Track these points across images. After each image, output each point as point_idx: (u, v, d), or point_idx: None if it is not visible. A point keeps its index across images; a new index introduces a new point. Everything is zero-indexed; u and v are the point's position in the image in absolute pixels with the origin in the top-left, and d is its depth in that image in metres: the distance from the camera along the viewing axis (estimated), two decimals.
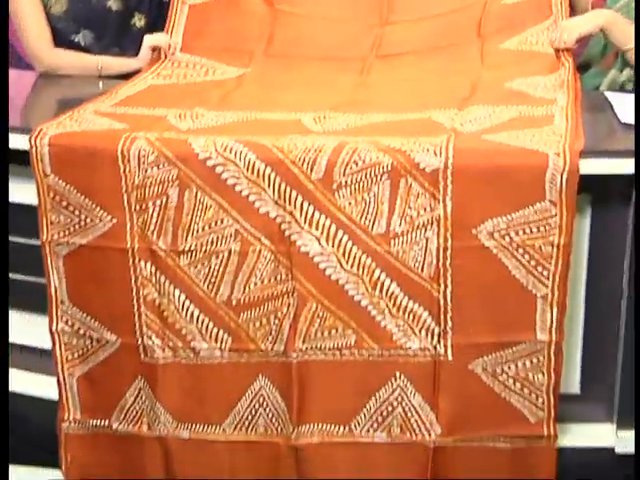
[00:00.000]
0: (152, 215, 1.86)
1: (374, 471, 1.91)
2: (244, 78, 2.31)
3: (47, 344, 1.99)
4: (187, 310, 1.89)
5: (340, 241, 1.81)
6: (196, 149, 1.82)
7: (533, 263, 1.77)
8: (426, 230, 1.79)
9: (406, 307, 1.82)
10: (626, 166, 1.79)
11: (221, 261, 1.86)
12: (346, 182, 1.79)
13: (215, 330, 1.89)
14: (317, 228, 1.81)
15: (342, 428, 1.90)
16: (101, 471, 2.03)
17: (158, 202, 1.85)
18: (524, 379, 1.83)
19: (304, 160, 1.79)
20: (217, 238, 1.85)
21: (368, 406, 1.88)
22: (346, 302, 1.83)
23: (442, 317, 1.81)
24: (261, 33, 2.46)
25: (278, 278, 1.85)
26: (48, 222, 1.91)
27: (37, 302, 1.99)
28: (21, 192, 1.99)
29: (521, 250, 1.76)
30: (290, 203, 1.81)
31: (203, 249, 1.86)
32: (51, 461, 2.04)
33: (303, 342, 1.86)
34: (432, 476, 1.87)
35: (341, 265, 1.82)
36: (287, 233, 1.82)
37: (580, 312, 1.92)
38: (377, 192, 1.79)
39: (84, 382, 1.99)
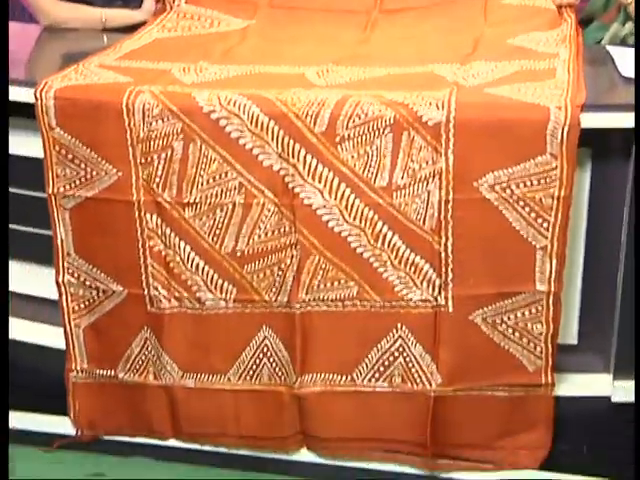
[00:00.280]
0: (157, 168, 1.88)
1: (375, 419, 1.95)
2: (248, 31, 2.31)
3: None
4: (192, 262, 1.92)
5: (343, 194, 1.83)
6: (200, 102, 1.83)
7: (533, 215, 1.79)
8: (428, 183, 1.81)
9: (408, 259, 1.85)
10: (627, 120, 1.80)
11: (225, 213, 1.88)
12: (349, 135, 1.81)
13: (220, 281, 1.92)
14: (320, 181, 1.83)
15: (344, 378, 1.93)
16: (108, 419, 2.08)
17: (163, 155, 1.87)
18: (523, 329, 1.86)
19: (307, 113, 1.80)
20: (221, 191, 1.87)
21: (370, 356, 1.91)
22: (348, 254, 1.86)
23: (443, 269, 1.84)
24: None
25: (281, 230, 1.87)
26: (54, 175, 1.93)
27: (45, 254, 2.02)
28: (27, 145, 2.01)
29: (522, 202, 1.78)
30: (293, 156, 1.82)
31: (208, 202, 1.88)
32: (62, 409, 2.09)
33: (306, 293, 1.89)
34: (432, 424, 1.91)
35: (344, 218, 1.84)
36: (290, 186, 1.84)
37: (579, 264, 1.95)
38: (380, 145, 1.81)
39: (90, 333, 2.03)
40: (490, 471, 1.95)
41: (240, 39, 2.26)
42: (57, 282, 1.99)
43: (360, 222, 1.84)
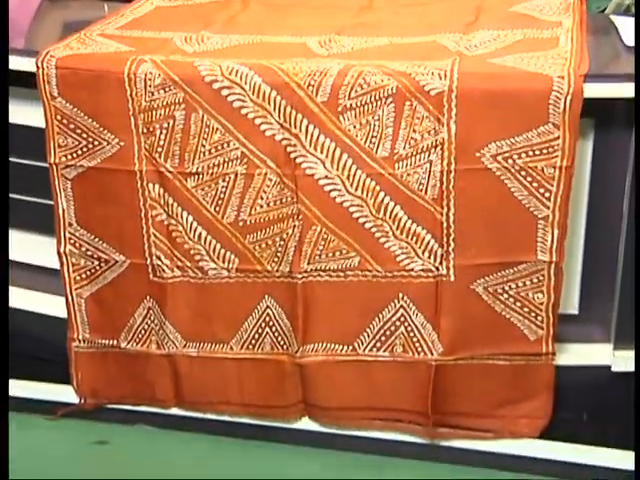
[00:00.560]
0: (159, 138, 1.88)
1: (376, 388, 1.97)
2: (250, 0, 2.30)
3: None
4: (195, 231, 1.92)
5: (345, 164, 1.83)
6: (202, 72, 1.83)
7: (535, 185, 1.79)
8: (430, 153, 1.81)
9: (409, 229, 1.86)
10: (629, 90, 1.79)
11: (228, 183, 1.89)
12: (351, 105, 1.80)
13: (222, 251, 1.93)
14: (322, 151, 1.83)
15: (346, 347, 1.95)
16: (111, 388, 2.10)
17: (165, 125, 1.87)
18: (524, 298, 1.87)
19: (309, 83, 1.80)
20: (223, 161, 1.87)
21: (371, 326, 1.93)
22: (350, 224, 1.86)
23: (445, 239, 1.84)
24: None
25: (283, 201, 1.88)
26: (56, 145, 1.93)
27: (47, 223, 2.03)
28: (29, 115, 2.01)
29: (524, 172, 1.79)
30: (295, 126, 1.82)
31: (210, 171, 1.88)
32: (65, 378, 2.10)
33: (308, 263, 1.90)
34: (433, 393, 1.92)
35: (345, 188, 1.84)
36: (292, 156, 1.84)
37: (580, 234, 1.95)
38: (382, 115, 1.81)
39: (92, 302, 2.04)
40: (490, 440, 1.97)
41: (242, 8, 2.25)
42: (59, 252, 2.00)
43: (362, 192, 1.84)
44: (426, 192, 1.83)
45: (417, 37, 2.00)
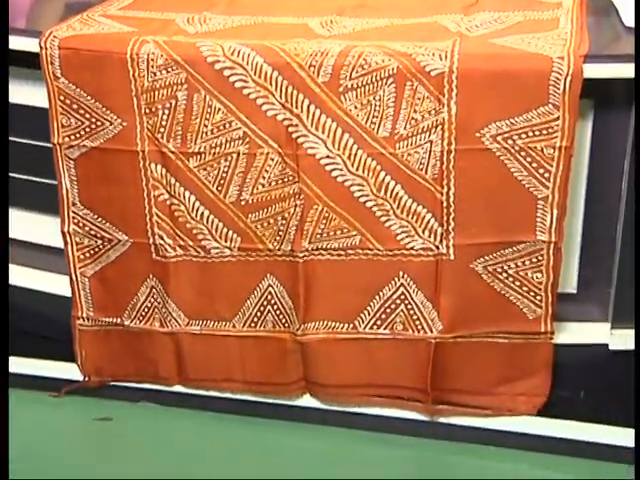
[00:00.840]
0: (161, 118, 1.89)
1: (376, 365, 1.99)
2: None
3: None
4: (197, 211, 1.94)
5: (346, 144, 1.84)
6: (204, 52, 1.84)
7: (535, 165, 1.80)
8: (430, 133, 1.82)
9: (410, 208, 1.87)
10: (629, 70, 1.79)
11: (230, 163, 1.90)
12: (352, 85, 1.81)
13: (225, 230, 1.94)
14: (323, 131, 1.84)
15: (346, 325, 1.96)
16: (115, 366, 2.12)
17: (167, 105, 1.88)
18: (523, 277, 1.88)
19: (310, 64, 1.81)
20: (225, 140, 1.88)
21: (372, 304, 1.94)
22: (351, 204, 1.87)
23: (445, 218, 1.86)
24: None
25: (285, 180, 1.89)
26: (59, 125, 1.94)
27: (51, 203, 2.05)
28: (32, 95, 2.02)
29: (523, 153, 1.80)
30: (297, 106, 1.83)
31: (212, 151, 1.89)
32: (69, 356, 2.13)
33: (309, 242, 1.91)
34: (432, 370, 1.94)
35: (347, 167, 1.86)
36: (294, 136, 1.85)
37: (580, 214, 1.97)
38: (382, 95, 1.81)
39: (96, 281, 2.06)
40: (489, 417, 1.99)
41: None
42: (62, 231, 2.02)
43: (363, 172, 1.86)
44: (426, 172, 1.85)
45: (418, 18, 2.00)
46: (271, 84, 1.83)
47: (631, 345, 1.94)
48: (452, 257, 1.88)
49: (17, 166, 2.10)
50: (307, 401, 2.06)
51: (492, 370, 1.97)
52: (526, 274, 1.88)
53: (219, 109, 1.87)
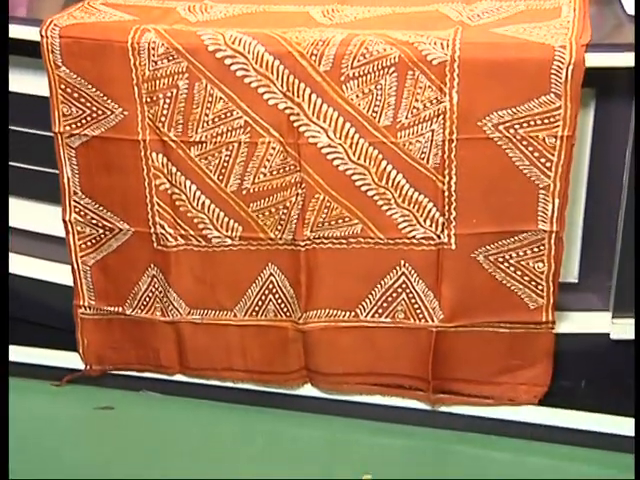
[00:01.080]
0: (163, 107, 1.89)
1: (378, 354, 1.99)
2: None
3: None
4: (198, 200, 1.94)
5: (347, 133, 1.84)
6: (205, 41, 1.84)
7: (537, 155, 1.80)
8: (432, 122, 1.82)
9: (411, 197, 1.87)
10: (631, 59, 1.79)
11: (231, 152, 1.90)
12: (354, 74, 1.81)
13: (226, 219, 1.94)
14: (325, 120, 1.84)
15: (348, 313, 1.97)
16: (116, 354, 2.12)
17: (168, 94, 1.88)
18: (525, 267, 1.88)
19: (312, 52, 1.81)
20: (227, 130, 1.88)
21: (373, 292, 1.95)
22: (353, 192, 1.87)
23: (446, 207, 1.86)
24: None
25: (287, 169, 1.89)
26: (60, 114, 1.94)
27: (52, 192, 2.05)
28: (32, 83, 2.02)
29: (525, 142, 1.79)
30: (298, 95, 1.83)
31: (213, 140, 1.89)
32: (71, 344, 2.13)
33: (311, 231, 1.91)
34: (434, 359, 1.95)
35: (348, 156, 1.86)
36: (296, 125, 1.85)
37: (581, 203, 1.97)
38: (384, 84, 1.81)
39: (97, 270, 2.06)
40: (490, 406, 2.00)
41: None
42: (64, 220, 2.02)
43: (364, 161, 1.86)
44: (428, 161, 1.84)
45: (420, 7, 2.00)
46: (272, 73, 1.83)
47: (632, 334, 1.94)
48: (453, 246, 1.88)
49: (18, 155, 2.10)
50: (308, 390, 2.06)
51: (493, 359, 1.97)
52: (527, 264, 1.88)
53: (220, 98, 1.86)
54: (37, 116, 2.02)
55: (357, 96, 1.83)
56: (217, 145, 1.90)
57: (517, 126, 1.79)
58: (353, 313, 1.97)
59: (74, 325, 2.10)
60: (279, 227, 1.93)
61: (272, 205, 1.92)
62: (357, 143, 1.84)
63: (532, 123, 1.78)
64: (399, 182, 1.86)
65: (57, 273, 2.16)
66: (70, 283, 2.08)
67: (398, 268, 1.92)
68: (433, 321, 1.93)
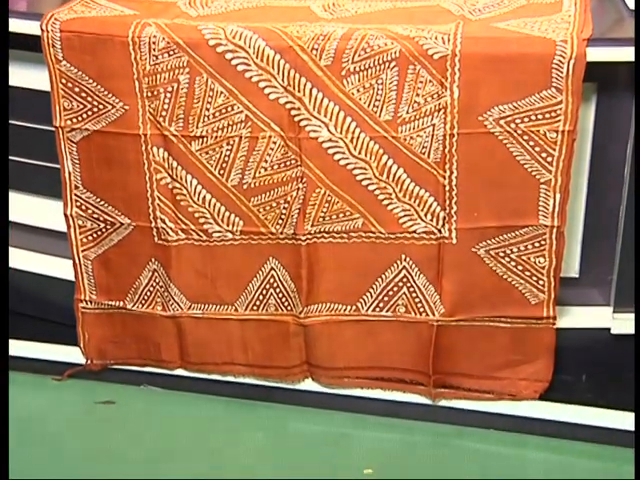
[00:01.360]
0: (163, 101, 1.89)
1: (378, 348, 1.99)
2: None
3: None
4: (199, 194, 1.94)
5: (348, 127, 1.84)
6: (206, 35, 1.83)
7: (538, 149, 1.80)
8: (433, 117, 1.82)
9: (412, 192, 1.87)
10: (632, 54, 1.79)
11: (232, 147, 1.90)
12: (355, 69, 1.81)
13: (227, 214, 1.94)
14: (326, 114, 1.84)
15: (349, 307, 1.97)
16: (117, 349, 2.13)
17: (169, 88, 1.88)
18: (526, 262, 1.89)
19: (313, 47, 1.81)
20: (228, 124, 1.88)
21: (374, 286, 1.95)
22: (354, 187, 1.88)
23: (447, 202, 1.86)
24: None
25: (288, 163, 1.89)
26: (61, 108, 1.94)
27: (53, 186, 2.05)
28: (34, 78, 2.02)
29: (526, 137, 1.79)
30: (299, 90, 1.83)
31: (214, 135, 1.89)
32: (72, 339, 2.13)
33: (312, 226, 1.92)
34: (434, 353, 1.95)
35: (349, 151, 1.86)
36: (297, 119, 1.85)
37: (582, 198, 1.97)
38: (385, 79, 1.81)
39: (99, 264, 2.06)
40: (490, 401, 2.00)
41: None
42: (65, 214, 2.03)
43: (365, 155, 1.86)
44: (429, 155, 1.84)
45: (421, 1, 2.00)
46: (273, 67, 1.83)
47: (633, 329, 1.94)
48: (454, 241, 1.88)
49: (18, 149, 2.10)
50: (309, 385, 2.06)
51: (494, 354, 1.97)
52: (529, 258, 1.88)
53: (221, 92, 1.86)
54: (38, 110, 2.02)
55: (358, 90, 1.83)
56: (218, 139, 1.90)
57: (518, 121, 1.79)
58: (354, 307, 1.97)
59: (75, 319, 2.10)
60: (280, 221, 1.93)
61: (273, 199, 1.92)
62: (358, 137, 1.84)
63: (533, 118, 1.78)
64: (400, 176, 1.86)
65: (58, 267, 2.16)
66: (71, 277, 2.08)
67: (399, 262, 1.92)
68: (434, 315, 1.94)
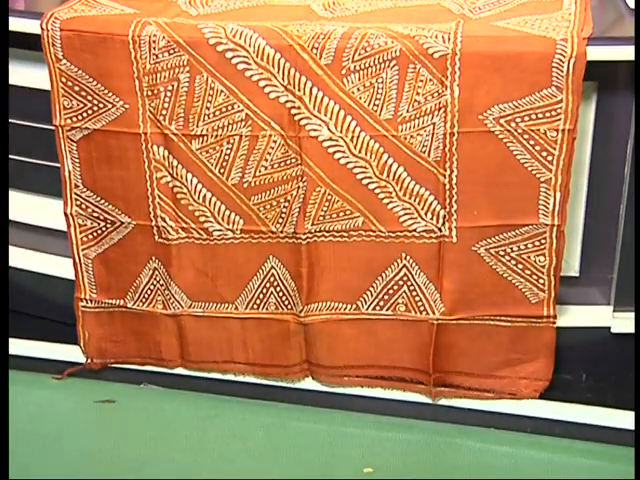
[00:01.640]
0: (164, 100, 1.89)
1: (379, 346, 1.99)
2: None
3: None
4: (200, 193, 1.94)
5: (349, 126, 1.84)
6: (207, 34, 1.84)
7: (538, 148, 1.80)
8: (433, 115, 1.82)
9: (412, 190, 1.87)
10: (632, 53, 1.79)
11: (232, 145, 1.90)
12: (355, 68, 1.81)
13: (227, 212, 1.95)
14: (326, 113, 1.84)
15: (349, 306, 1.97)
16: (117, 347, 2.13)
17: (169, 87, 1.88)
18: (526, 261, 1.89)
19: (313, 46, 1.81)
20: (228, 123, 1.88)
21: (375, 285, 1.95)
22: (354, 186, 1.88)
23: (447, 201, 1.86)
24: None
25: (288, 162, 1.89)
26: (61, 107, 1.94)
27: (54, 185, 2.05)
28: (34, 77, 2.02)
29: (526, 135, 1.80)
30: (299, 88, 1.83)
31: (214, 134, 1.89)
32: (72, 338, 2.13)
33: (312, 224, 1.92)
34: (434, 352, 1.95)
35: (349, 149, 1.86)
36: (297, 118, 1.85)
37: (582, 197, 1.97)
38: (385, 78, 1.81)
39: (99, 263, 2.06)
40: (491, 400, 2.00)
41: None
42: (65, 213, 2.03)
43: (366, 154, 1.86)
44: (429, 154, 1.85)
45: (421, 0, 2.00)
46: (273, 66, 1.83)
47: (633, 328, 1.94)
48: (454, 239, 1.89)
49: (18, 148, 2.10)
50: (309, 384, 2.07)
51: (494, 353, 1.97)
52: (529, 257, 1.88)
53: (221, 91, 1.86)
54: (38, 109, 2.02)
55: (358, 89, 1.83)
56: (218, 138, 1.90)
57: (518, 119, 1.79)
58: (354, 306, 1.97)
59: (75, 318, 2.10)
60: (280, 220, 1.93)
61: (273, 198, 1.92)
62: (358, 136, 1.85)
63: (533, 116, 1.78)
64: (400, 175, 1.86)
65: (58, 266, 2.16)
66: (71, 276, 2.08)
67: (399, 261, 1.93)
68: (434, 314, 1.94)
